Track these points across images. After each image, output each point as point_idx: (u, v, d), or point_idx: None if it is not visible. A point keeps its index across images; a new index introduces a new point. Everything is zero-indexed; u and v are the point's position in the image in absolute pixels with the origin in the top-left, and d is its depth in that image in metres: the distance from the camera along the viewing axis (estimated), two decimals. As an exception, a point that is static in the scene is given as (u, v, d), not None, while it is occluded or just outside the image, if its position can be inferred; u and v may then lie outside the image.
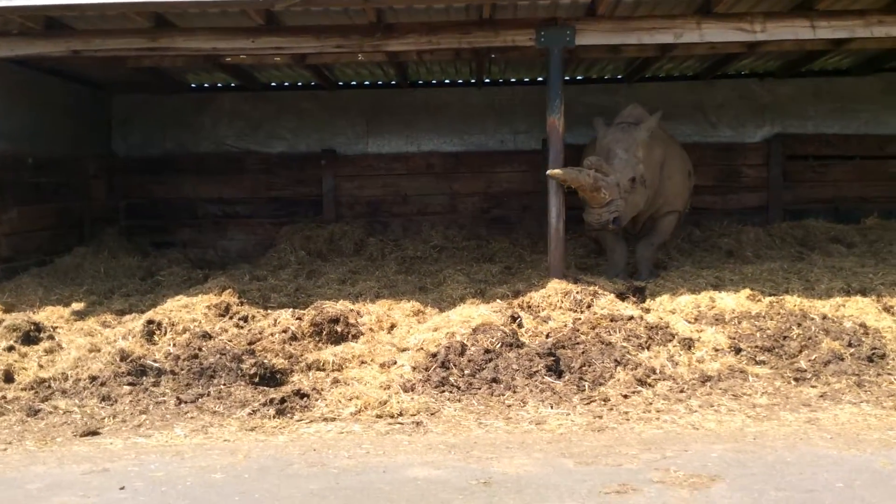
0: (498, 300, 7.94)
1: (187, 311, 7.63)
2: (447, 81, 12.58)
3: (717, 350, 6.30)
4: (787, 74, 11.96)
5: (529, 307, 7.65)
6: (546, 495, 3.75)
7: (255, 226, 12.31)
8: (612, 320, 6.94)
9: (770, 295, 7.78)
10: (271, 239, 11.98)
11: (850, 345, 6.31)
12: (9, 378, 6.28)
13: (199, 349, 6.55)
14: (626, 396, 5.44)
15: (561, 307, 7.62)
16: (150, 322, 7.22)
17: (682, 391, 5.56)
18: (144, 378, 6.02)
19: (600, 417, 5.05)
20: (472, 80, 12.40)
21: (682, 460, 4.20)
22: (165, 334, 7.18)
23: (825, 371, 5.91)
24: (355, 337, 7.22)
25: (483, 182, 12.26)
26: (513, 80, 12.59)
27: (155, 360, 6.31)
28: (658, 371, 5.90)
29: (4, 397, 5.73)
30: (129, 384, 5.88)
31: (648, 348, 6.47)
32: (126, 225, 12.11)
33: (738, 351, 6.31)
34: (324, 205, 12.22)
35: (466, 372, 5.94)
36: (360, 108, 12.33)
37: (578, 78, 12.41)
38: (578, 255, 10.54)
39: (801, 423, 4.86)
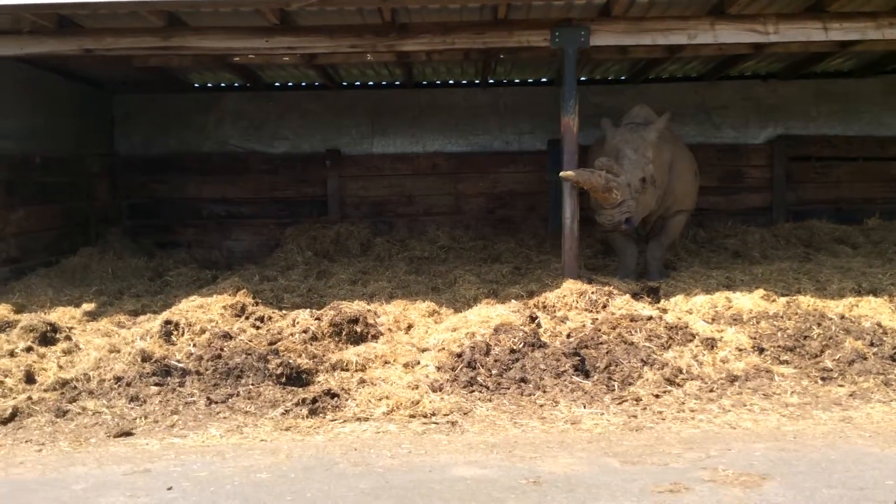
0: (513, 300, 7.96)
1: (203, 311, 7.59)
2: (451, 82, 12.59)
3: (740, 350, 6.33)
4: (790, 76, 12.04)
5: (545, 307, 7.67)
6: (598, 494, 3.75)
7: (259, 226, 12.27)
8: (632, 320, 6.95)
9: (783, 295, 7.84)
10: (276, 239, 11.97)
11: (871, 344, 6.35)
12: (30, 379, 6.24)
13: (221, 349, 6.52)
14: (657, 396, 5.45)
15: (576, 307, 7.64)
16: (167, 322, 7.17)
17: (711, 391, 5.58)
18: (169, 378, 5.99)
19: (635, 417, 5.06)
20: (477, 81, 12.42)
21: (727, 459, 4.21)
22: (183, 335, 7.14)
23: (850, 370, 5.95)
24: (375, 337, 7.20)
25: (488, 182, 12.28)
26: (517, 80, 12.60)
27: (178, 361, 6.28)
28: (685, 371, 5.92)
29: (30, 398, 5.68)
30: (156, 384, 5.85)
31: (669, 348, 6.49)
32: (129, 225, 12.04)
33: (761, 351, 6.34)
34: (329, 205, 12.20)
35: (494, 372, 5.94)
36: (365, 109, 12.32)
37: (583, 79, 12.42)
38: (586, 256, 10.57)
39: (836, 422, 4.90)
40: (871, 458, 4.19)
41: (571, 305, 7.69)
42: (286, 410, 5.31)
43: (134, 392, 5.68)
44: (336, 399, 5.54)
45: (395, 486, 3.93)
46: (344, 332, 7.12)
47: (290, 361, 6.16)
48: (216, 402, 5.51)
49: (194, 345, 6.79)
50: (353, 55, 9.61)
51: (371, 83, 12.57)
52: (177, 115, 12.26)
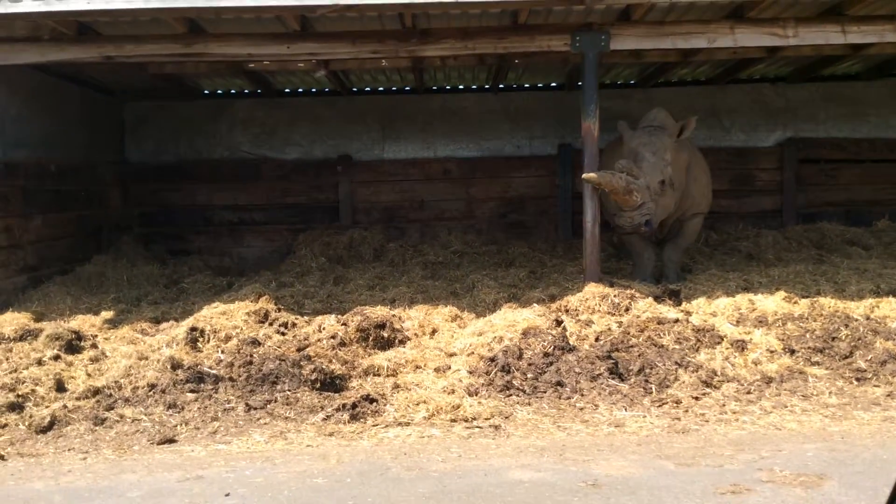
0: (535, 304, 7.96)
1: (226, 317, 7.59)
2: (461, 87, 12.61)
3: (771, 352, 6.36)
4: (799, 79, 12.10)
5: (567, 311, 7.68)
6: (661, 497, 3.77)
7: (271, 232, 12.25)
8: (659, 323, 6.97)
9: (803, 297, 7.87)
10: (288, 245, 11.96)
11: (901, 344, 6.39)
12: (61, 387, 6.22)
13: (251, 356, 6.51)
14: (696, 398, 5.47)
15: (599, 311, 7.66)
16: (192, 329, 7.16)
17: (748, 392, 5.60)
18: (202, 385, 5.98)
19: (678, 419, 5.08)
20: (487, 86, 12.44)
21: (780, 460, 4.23)
22: (209, 341, 7.14)
23: (883, 371, 5.98)
24: (402, 342, 7.21)
25: (499, 187, 12.29)
26: (527, 85, 12.63)
27: (210, 367, 6.27)
28: (719, 373, 5.94)
29: (65, 406, 5.66)
30: (192, 391, 5.84)
31: (699, 351, 6.51)
32: (140, 233, 12.00)
33: (792, 352, 6.38)
34: (340, 211, 12.20)
35: (529, 376, 5.95)
36: (376, 114, 12.33)
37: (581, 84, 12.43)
38: (601, 259, 10.55)
39: (880, 422, 4.92)
40: (924, 457, 4.22)
41: (594, 309, 7.71)
42: (327, 416, 5.31)
43: (171, 399, 5.67)
44: (375, 404, 5.54)
45: (454, 490, 3.93)
46: (371, 338, 7.13)
47: (324, 367, 6.16)
48: (255, 409, 5.50)
49: (222, 351, 6.78)
50: (367, 61, 9.64)
51: (381, 89, 12.58)
52: (187, 122, 12.24)
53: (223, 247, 12.17)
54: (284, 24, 8.40)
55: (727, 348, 6.47)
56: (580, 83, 11.98)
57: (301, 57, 8.49)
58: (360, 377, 6.29)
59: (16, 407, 5.76)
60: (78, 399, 5.93)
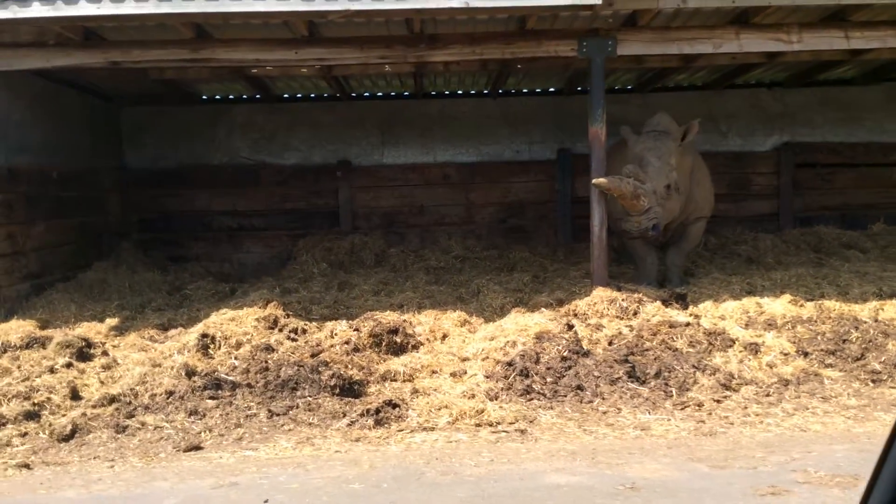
0: (543, 309, 8.00)
1: (236, 324, 7.57)
2: (460, 92, 12.63)
3: (785, 354, 6.41)
4: (795, 84, 12.21)
5: (576, 315, 7.71)
6: (702, 499, 3.79)
7: (271, 238, 12.22)
8: (671, 326, 7.01)
9: (808, 300, 7.94)
10: (287, 251, 11.93)
11: (912, 346, 6.46)
12: (75, 395, 6.18)
13: (266, 362, 6.50)
14: (718, 401, 5.51)
15: (607, 315, 7.70)
16: (203, 336, 7.15)
17: (767, 395, 5.64)
18: (220, 391, 5.96)
19: (703, 422, 5.11)
20: (486, 91, 12.48)
21: (812, 461, 4.27)
22: (220, 348, 7.12)
23: (898, 372, 6.05)
24: (415, 347, 7.21)
25: (499, 192, 12.32)
26: (525, 90, 12.67)
27: (227, 374, 6.25)
28: (737, 375, 5.98)
29: (84, 414, 5.62)
30: (211, 398, 5.82)
31: (712, 354, 6.55)
32: (139, 239, 11.93)
33: (805, 355, 6.43)
34: (340, 216, 12.19)
35: (549, 380, 5.97)
36: (375, 119, 12.33)
37: (589, 89, 12.48)
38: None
39: (903, 423, 4.96)
40: (954, 458, 4.25)
41: (602, 313, 7.75)
42: (352, 421, 5.31)
43: (192, 406, 5.64)
44: (397, 409, 5.54)
45: (492, 494, 3.94)
46: (384, 343, 7.13)
47: (342, 373, 6.16)
48: (278, 415, 5.49)
49: (235, 357, 6.77)
50: (370, 66, 9.64)
51: (380, 94, 12.59)
52: (186, 128, 12.19)
53: (222, 253, 12.12)
54: (291, 30, 8.39)
55: (741, 351, 6.52)
56: (579, 88, 12.22)
57: (309, 62, 8.49)
58: (377, 382, 6.29)
59: (32, 415, 5.72)
60: (94, 407, 5.90)
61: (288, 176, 12.20)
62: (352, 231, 12.02)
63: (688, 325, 7.07)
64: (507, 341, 6.91)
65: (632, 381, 5.87)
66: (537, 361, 6.24)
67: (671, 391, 5.67)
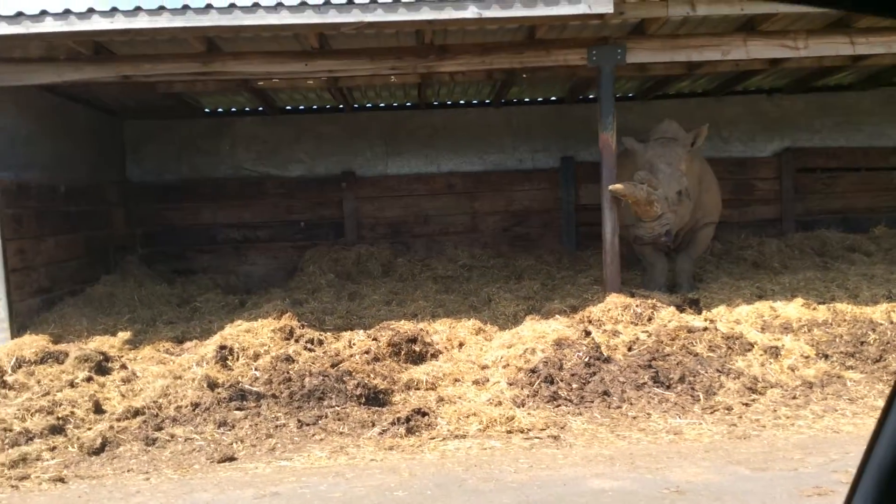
0: (558, 315, 8.03)
1: (252, 335, 7.58)
2: (462, 102, 12.67)
3: (805, 357, 6.46)
4: (795, 90, 12.31)
5: (591, 321, 7.74)
6: (748, 501, 3.82)
7: (276, 250, 12.20)
8: (689, 332, 7.05)
9: (820, 303, 8.00)
10: (293, 263, 11.92)
11: (930, 347, 6.52)
12: (98, 409, 6.17)
13: (287, 372, 6.50)
14: (746, 405, 5.54)
15: (622, 321, 7.74)
16: (221, 347, 7.16)
17: (794, 398, 5.68)
18: (245, 402, 5.96)
19: (735, 426, 5.14)
20: (487, 101, 12.52)
21: (851, 462, 4.30)
22: (238, 359, 7.13)
23: (919, 373, 6.10)
24: (434, 356, 7.23)
25: (503, 201, 12.35)
26: (526, 99, 12.73)
27: (251, 385, 6.25)
28: (761, 379, 6.02)
29: (112, 427, 5.61)
30: (238, 409, 5.82)
31: (731, 358, 6.59)
32: (144, 252, 11.89)
33: (826, 357, 6.48)
34: (345, 227, 12.18)
35: (574, 386, 5.99)
36: (379, 130, 12.34)
37: (591, 97, 12.58)
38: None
39: (933, 423, 5.01)
40: None
41: (617, 319, 7.79)
42: (383, 430, 5.31)
43: (220, 417, 5.64)
44: (426, 417, 5.55)
45: (537, 500, 3.95)
46: (403, 352, 7.14)
47: (366, 382, 6.16)
48: (307, 425, 5.49)
49: (256, 368, 6.78)
50: (376, 77, 9.67)
51: (382, 105, 12.61)
52: (189, 141, 12.17)
53: (228, 265, 12.09)
54: (300, 42, 8.42)
55: (761, 354, 6.56)
56: (581, 97, 12.27)
57: (319, 74, 8.51)
58: (401, 391, 6.30)
59: (57, 430, 5.71)
60: (119, 420, 5.89)
61: (292, 187, 12.19)
62: (357, 242, 12.01)
63: (705, 329, 7.11)
64: (526, 348, 6.93)
65: (657, 386, 5.90)
66: (561, 368, 6.27)
67: (698, 395, 5.70)
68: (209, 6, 7.27)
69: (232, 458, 4.94)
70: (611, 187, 7.97)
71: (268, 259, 12.21)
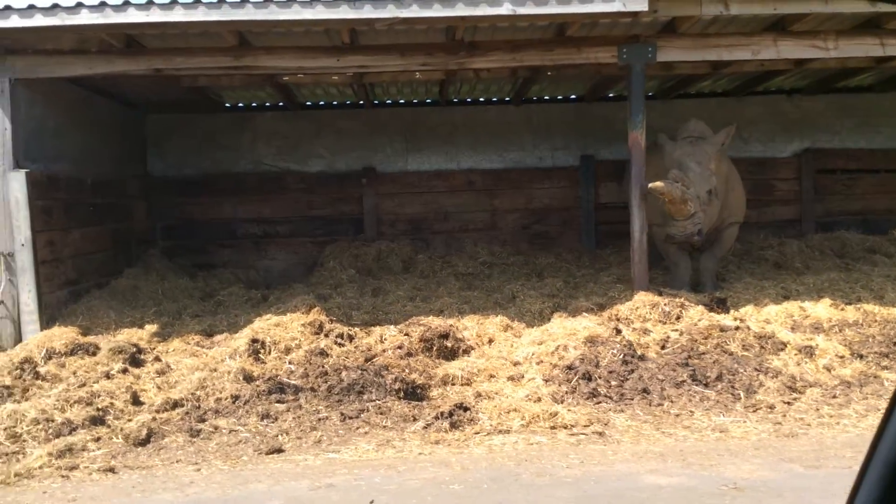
0: (585, 313, 8.04)
1: (282, 329, 7.60)
2: (482, 100, 12.69)
3: (840, 357, 6.48)
4: (815, 91, 12.32)
5: (619, 319, 7.77)
6: (808, 498, 3.84)
7: (296, 245, 12.21)
8: (721, 330, 7.07)
9: (847, 304, 8.02)
10: (312, 258, 11.93)
11: (963, 347, 6.54)
12: (136, 400, 6.18)
13: (322, 366, 6.52)
14: (788, 403, 5.56)
15: (650, 319, 7.77)
16: (254, 341, 7.17)
17: (834, 397, 5.70)
18: (283, 395, 5.98)
19: (780, 424, 5.16)
20: (507, 99, 12.54)
21: (904, 460, 4.31)
22: (270, 353, 7.15)
23: (956, 373, 6.12)
24: (466, 352, 7.25)
25: (523, 198, 12.36)
26: (546, 97, 12.74)
27: (288, 378, 6.27)
28: (799, 378, 6.03)
29: (154, 419, 5.62)
30: (278, 402, 5.83)
31: (764, 357, 6.61)
32: (164, 246, 11.90)
33: (861, 357, 6.50)
34: (365, 223, 12.19)
35: (613, 383, 6.01)
36: (399, 126, 12.35)
37: (610, 95, 12.60)
38: (630, 268, 10.62)
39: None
40: None
41: (645, 317, 7.81)
42: (427, 424, 5.33)
43: (262, 410, 5.66)
44: (468, 412, 5.56)
45: (596, 495, 3.97)
46: (435, 348, 7.16)
47: (404, 377, 6.18)
48: (350, 418, 5.51)
49: (290, 362, 6.80)
50: (401, 73, 9.67)
51: (402, 101, 12.61)
52: (210, 136, 12.18)
53: (247, 260, 12.10)
54: (330, 37, 8.44)
55: (795, 354, 6.58)
56: (601, 96, 12.28)
57: (351, 69, 8.53)
58: (438, 386, 6.32)
59: (98, 420, 5.72)
60: (158, 412, 5.90)
61: (312, 183, 12.20)
62: (377, 238, 12.03)
63: (737, 328, 7.13)
64: (558, 345, 6.95)
65: (696, 385, 5.92)
66: (597, 365, 6.28)
67: (739, 394, 5.72)
68: (245, 0, 7.27)
69: (279, 450, 4.96)
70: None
71: (287, 254, 12.22)
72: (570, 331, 7.31)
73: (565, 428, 5.22)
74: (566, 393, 5.90)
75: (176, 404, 6.01)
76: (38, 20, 7.25)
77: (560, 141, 12.45)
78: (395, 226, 12.29)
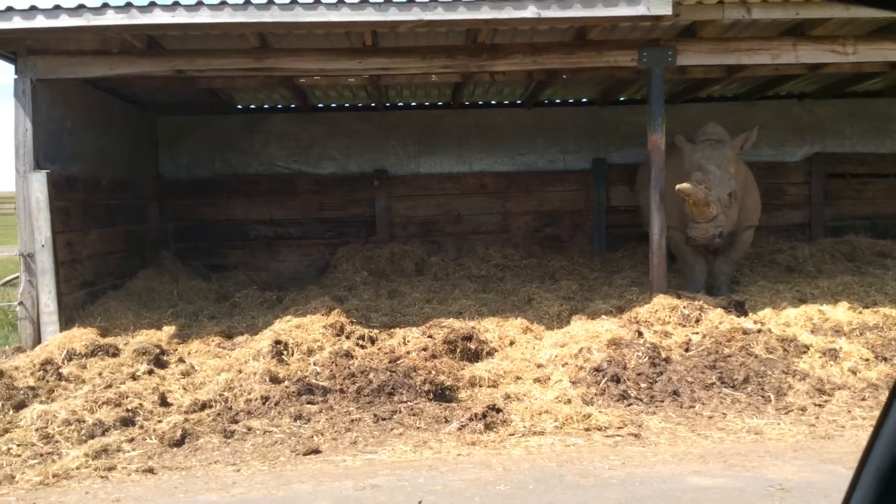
0: (604, 316, 8.06)
1: (302, 331, 7.60)
2: (493, 103, 12.72)
3: (865, 360, 6.50)
4: (824, 96, 12.38)
5: (638, 322, 7.78)
6: (857, 498, 3.85)
7: (308, 247, 12.22)
8: (744, 333, 7.09)
9: (864, 307, 8.05)
10: (324, 260, 11.95)
11: None
12: (164, 401, 6.18)
13: (349, 368, 6.52)
14: (819, 406, 5.58)
15: (670, 322, 7.79)
16: (276, 342, 7.16)
17: (863, 399, 5.73)
18: (313, 396, 5.98)
19: (814, 426, 5.19)
20: (518, 102, 12.57)
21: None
22: (293, 354, 7.14)
23: (982, 376, 6.15)
24: (489, 354, 7.25)
25: (535, 201, 12.39)
26: (557, 100, 12.78)
27: (316, 380, 6.27)
28: (827, 380, 6.06)
29: (186, 420, 5.62)
30: (309, 403, 5.84)
31: (788, 359, 6.63)
32: (176, 248, 11.90)
33: (885, 360, 6.52)
34: (377, 225, 12.21)
35: (642, 385, 6.02)
36: (411, 129, 12.38)
37: (621, 99, 12.64)
38: (643, 271, 10.65)
39: None
40: None
41: (665, 320, 7.84)
42: (462, 425, 5.33)
43: (294, 411, 5.65)
44: (500, 414, 5.57)
45: (644, 496, 3.99)
46: (458, 350, 7.15)
47: (433, 378, 6.19)
48: (384, 419, 5.51)
49: (315, 364, 6.79)
50: (416, 76, 9.67)
51: (413, 104, 12.63)
52: (222, 137, 12.18)
53: (259, 262, 12.11)
54: (350, 39, 8.45)
55: (819, 357, 6.60)
56: (613, 99, 12.31)
57: (372, 71, 8.54)
58: (466, 388, 6.32)
59: (128, 422, 5.71)
60: (187, 412, 5.89)
61: (324, 185, 12.21)
62: (389, 240, 12.04)
63: (759, 331, 7.15)
64: (581, 348, 6.95)
65: (725, 387, 5.94)
66: (625, 367, 6.30)
67: (769, 396, 5.74)
68: (270, 2, 7.28)
69: (316, 451, 4.96)
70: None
71: (299, 256, 12.23)
72: (591, 333, 7.31)
73: (599, 430, 5.23)
74: (595, 395, 5.91)
75: (204, 405, 6.00)
76: (64, 21, 7.26)
77: (571, 144, 12.48)
78: (406, 228, 12.31)
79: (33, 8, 7.25)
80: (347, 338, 7.57)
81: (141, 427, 5.58)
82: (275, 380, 6.41)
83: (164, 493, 4.33)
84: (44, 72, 8.05)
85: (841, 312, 7.82)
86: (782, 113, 12.60)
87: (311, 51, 8.30)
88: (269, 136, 12.26)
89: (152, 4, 7.25)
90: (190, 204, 11.99)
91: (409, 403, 5.77)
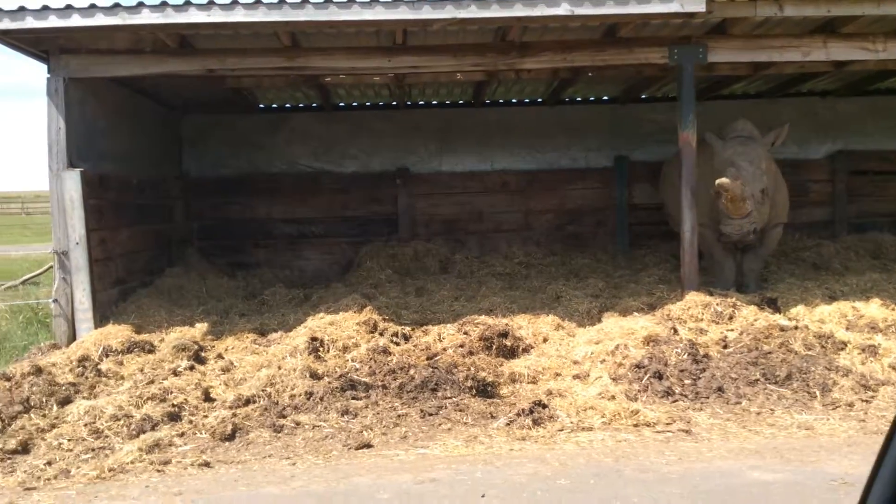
0: (635, 313, 8.08)
1: (336, 328, 7.62)
2: (514, 101, 12.73)
3: (905, 356, 6.50)
4: (847, 93, 12.37)
5: (670, 319, 7.79)
6: (921, 490, 3.86)
7: (330, 245, 12.25)
8: (781, 330, 7.09)
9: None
10: (347, 258, 11.99)
11: None
12: (207, 397, 6.21)
13: (388, 364, 6.54)
14: (866, 401, 5.59)
15: (703, 319, 7.80)
16: (312, 339, 7.19)
17: (909, 394, 5.73)
18: (355, 392, 6.00)
19: (863, 422, 5.20)
20: (539, 100, 12.58)
21: None
22: (329, 351, 7.17)
23: None
24: (525, 351, 7.27)
25: (557, 199, 12.41)
26: (578, 98, 12.79)
27: (359, 376, 6.29)
28: (869, 376, 6.06)
29: (235, 415, 5.65)
30: (354, 398, 5.86)
31: (825, 355, 6.63)
32: (200, 246, 11.94)
33: (925, 355, 6.52)
34: (399, 223, 12.23)
35: (686, 382, 6.03)
36: (433, 127, 12.40)
37: (643, 97, 12.63)
38: (668, 269, 10.68)
39: None
40: None
41: (698, 317, 7.84)
42: (510, 421, 5.35)
43: (340, 406, 5.68)
44: (546, 409, 5.58)
45: (707, 491, 4.00)
46: (494, 346, 7.17)
47: (475, 374, 6.20)
48: (430, 415, 5.53)
49: (353, 360, 6.81)
50: (442, 74, 9.67)
51: (434, 102, 12.64)
52: (245, 136, 12.21)
53: (282, 260, 12.14)
54: (379, 38, 8.46)
55: (859, 353, 6.61)
56: (635, 97, 12.32)
57: (402, 70, 8.55)
58: (507, 384, 6.34)
59: (175, 417, 5.74)
60: (231, 408, 5.91)
61: (347, 183, 12.25)
62: (412, 238, 12.07)
63: (796, 328, 7.16)
64: (617, 345, 6.97)
65: (769, 383, 5.94)
66: (666, 364, 6.31)
67: (815, 392, 5.74)
68: (305, 1, 7.29)
69: (368, 445, 4.98)
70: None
71: (322, 254, 12.26)
72: (626, 330, 7.33)
73: (648, 426, 5.24)
74: (639, 391, 5.93)
75: (248, 401, 6.02)
76: (100, 19, 7.28)
77: (594, 142, 12.49)
78: (429, 226, 12.33)
79: (69, 7, 7.27)
80: (381, 335, 7.59)
81: (189, 422, 5.61)
82: (315, 376, 6.43)
83: (225, 486, 4.36)
84: (76, 70, 8.08)
85: (875, 309, 7.82)
86: (805, 110, 12.59)
87: (342, 49, 8.32)
88: (292, 134, 12.30)
89: (188, 3, 7.27)
90: (214, 203, 12.03)
91: (453, 399, 5.79)
